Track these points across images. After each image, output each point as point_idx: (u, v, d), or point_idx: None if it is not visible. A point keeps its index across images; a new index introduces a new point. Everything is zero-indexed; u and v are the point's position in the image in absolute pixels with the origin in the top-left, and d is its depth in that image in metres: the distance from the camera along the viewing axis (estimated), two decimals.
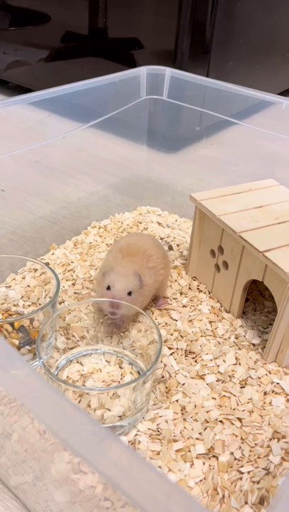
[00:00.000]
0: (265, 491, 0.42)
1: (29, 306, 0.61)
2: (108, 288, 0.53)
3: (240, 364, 0.54)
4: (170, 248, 0.74)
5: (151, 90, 0.80)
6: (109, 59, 1.11)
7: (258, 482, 0.43)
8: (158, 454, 0.45)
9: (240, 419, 0.48)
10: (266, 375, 0.53)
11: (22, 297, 0.62)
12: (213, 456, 0.45)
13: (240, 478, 0.43)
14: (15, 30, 1.23)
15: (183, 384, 0.52)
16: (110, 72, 0.76)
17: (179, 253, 0.73)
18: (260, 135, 0.74)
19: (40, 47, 1.20)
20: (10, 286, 0.64)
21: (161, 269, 0.59)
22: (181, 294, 0.65)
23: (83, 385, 0.51)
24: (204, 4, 0.94)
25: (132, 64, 1.05)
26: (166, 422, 0.48)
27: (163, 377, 0.52)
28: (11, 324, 0.54)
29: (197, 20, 0.96)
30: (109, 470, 0.25)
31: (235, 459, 0.45)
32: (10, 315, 0.60)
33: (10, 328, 0.54)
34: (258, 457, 0.45)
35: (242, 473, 0.44)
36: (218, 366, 0.54)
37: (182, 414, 0.49)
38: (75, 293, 0.64)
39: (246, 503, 0.42)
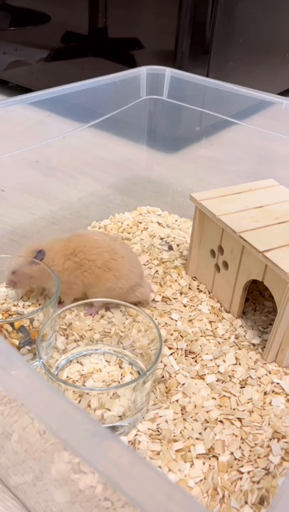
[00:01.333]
0: (265, 491, 0.42)
1: (29, 306, 0.61)
2: None
3: (240, 364, 0.54)
4: (170, 248, 0.74)
5: (151, 90, 0.80)
6: (109, 59, 1.11)
7: (258, 482, 0.43)
8: (158, 454, 0.45)
9: (240, 419, 0.48)
10: (266, 375, 0.53)
11: (22, 297, 0.62)
12: (213, 456, 0.45)
13: (240, 478, 0.43)
14: (15, 30, 1.23)
15: (183, 384, 0.52)
16: (110, 72, 0.76)
17: (179, 253, 0.73)
18: (260, 135, 0.74)
19: (40, 47, 1.20)
20: None
21: (85, 271, 0.58)
22: (181, 294, 0.65)
23: (83, 385, 0.51)
24: (204, 4, 0.94)
25: (132, 64, 1.05)
26: (166, 422, 0.48)
27: (163, 377, 0.52)
28: (11, 324, 0.54)
29: (197, 20, 0.96)
30: (109, 470, 0.25)
31: (235, 459, 0.45)
32: (10, 315, 0.60)
33: (10, 328, 0.54)
34: (258, 457, 0.45)
35: (242, 473, 0.44)
36: (218, 366, 0.54)
37: (182, 414, 0.49)
38: None
39: (246, 503, 0.42)
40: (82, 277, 0.58)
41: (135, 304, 0.61)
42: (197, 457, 0.45)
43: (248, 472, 0.44)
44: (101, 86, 0.73)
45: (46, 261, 0.57)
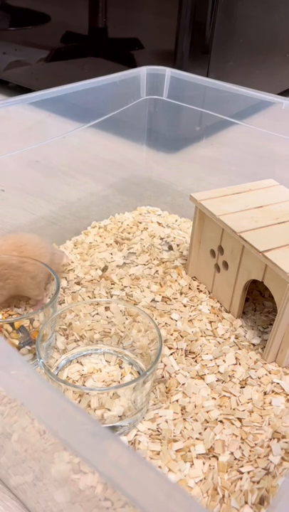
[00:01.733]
0: (265, 491, 0.42)
1: (29, 306, 0.61)
2: None
3: (240, 364, 0.54)
4: (170, 248, 0.74)
5: (151, 90, 0.80)
6: (109, 59, 1.11)
7: (258, 482, 0.43)
8: (158, 454, 0.45)
9: (240, 419, 0.48)
10: (266, 375, 0.53)
11: (22, 297, 0.62)
12: (213, 456, 0.45)
13: (240, 478, 0.43)
14: (15, 30, 1.23)
15: (183, 384, 0.52)
16: (110, 72, 0.76)
17: (179, 253, 0.73)
18: (260, 135, 0.74)
19: (40, 47, 1.20)
20: None
21: (7, 279, 0.58)
22: (181, 294, 0.65)
23: (83, 385, 0.51)
24: (204, 4, 0.94)
25: (132, 64, 1.05)
26: (166, 422, 0.48)
27: (163, 377, 0.52)
28: (11, 324, 0.54)
29: (197, 20, 0.96)
30: (109, 470, 0.25)
31: (235, 459, 0.45)
32: (10, 315, 0.60)
33: (10, 328, 0.54)
34: (258, 457, 0.45)
35: (242, 473, 0.44)
36: (218, 366, 0.54)
37: (182, 414, 0.49)
38: (74, 292, 0.64)
39: (246, 503, 0.42)
40: (7, 286, 0.58)
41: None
42: (197, 457, 0.45)
43: (248, 472, 0.44)
44: (101, 86, 0.73)
45: None
